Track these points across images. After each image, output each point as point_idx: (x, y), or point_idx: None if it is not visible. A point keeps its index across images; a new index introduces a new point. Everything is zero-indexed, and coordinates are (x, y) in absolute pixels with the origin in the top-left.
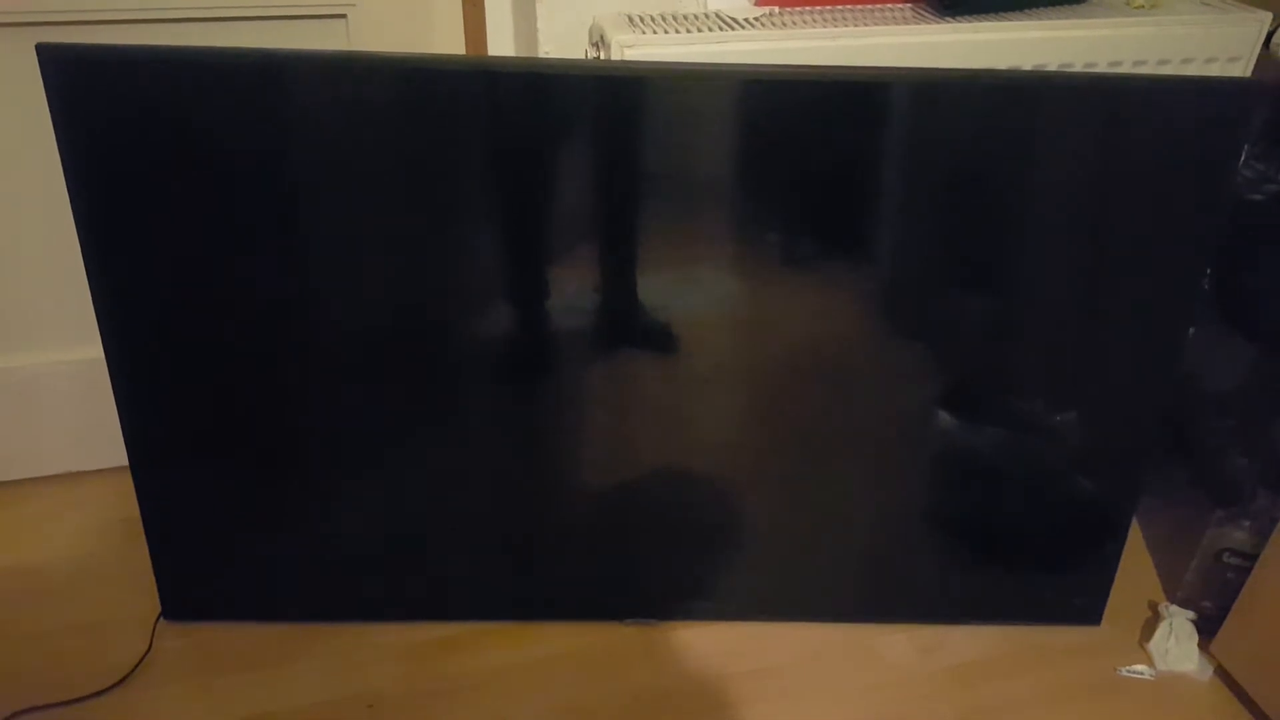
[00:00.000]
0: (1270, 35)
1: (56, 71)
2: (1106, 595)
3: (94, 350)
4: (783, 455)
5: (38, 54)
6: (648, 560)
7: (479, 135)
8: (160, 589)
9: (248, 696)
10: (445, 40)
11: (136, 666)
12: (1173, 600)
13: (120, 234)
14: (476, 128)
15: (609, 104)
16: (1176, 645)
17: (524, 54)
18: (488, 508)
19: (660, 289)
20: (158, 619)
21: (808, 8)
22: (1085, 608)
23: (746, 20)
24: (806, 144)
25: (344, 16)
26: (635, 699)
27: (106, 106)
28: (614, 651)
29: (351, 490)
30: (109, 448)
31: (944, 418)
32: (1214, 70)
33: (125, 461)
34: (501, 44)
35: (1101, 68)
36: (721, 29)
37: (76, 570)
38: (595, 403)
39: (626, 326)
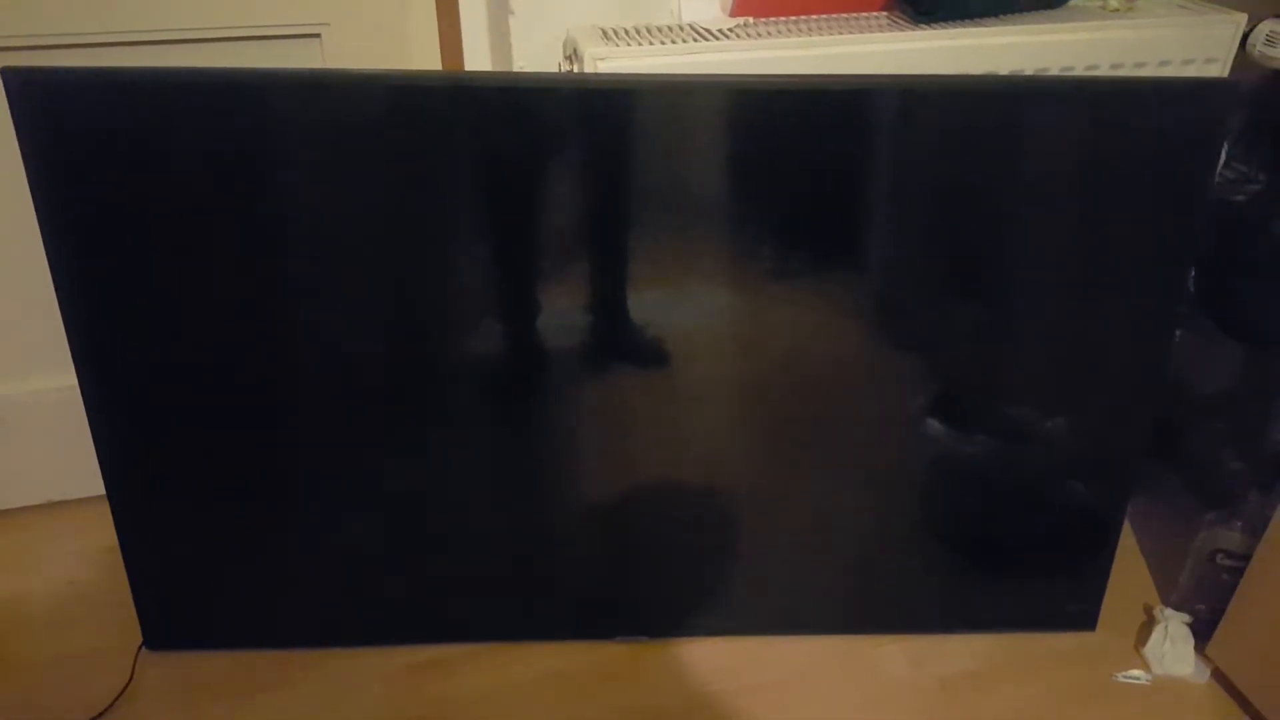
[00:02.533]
0: (1246, 36)
1: (22, 96)
2: (1100, 600)
3: (73, 378)
4: (774, 468)
5: (2, 79)
6: (639, 577)
7: (457, 152)
8: (141, 618)
9: None
10: (421, 59)
11: (118, 697)
12: (1167, 604)
13: (91, 260)
14: (454, 144)
15: (585, 117)
16: (1172, 649)
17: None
18: (477, 529)
19: (649, 303)
20: (140, 649)
21: (782, 18)
22: (1079, 614)
23: (721, 31)
24: (787, 154)
25: (318, 36)
26: (627, 718)
27: (75, 131)
28: (605, 670)
29: (336, 513)
30: (90, 477)
31: (934, 426)
32: (1191, 72)
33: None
34: (477, 61)
35: (1078, 72)
36: (696, 40)
37: (58, 600)
38: (586, 420)
39: (617, 342)
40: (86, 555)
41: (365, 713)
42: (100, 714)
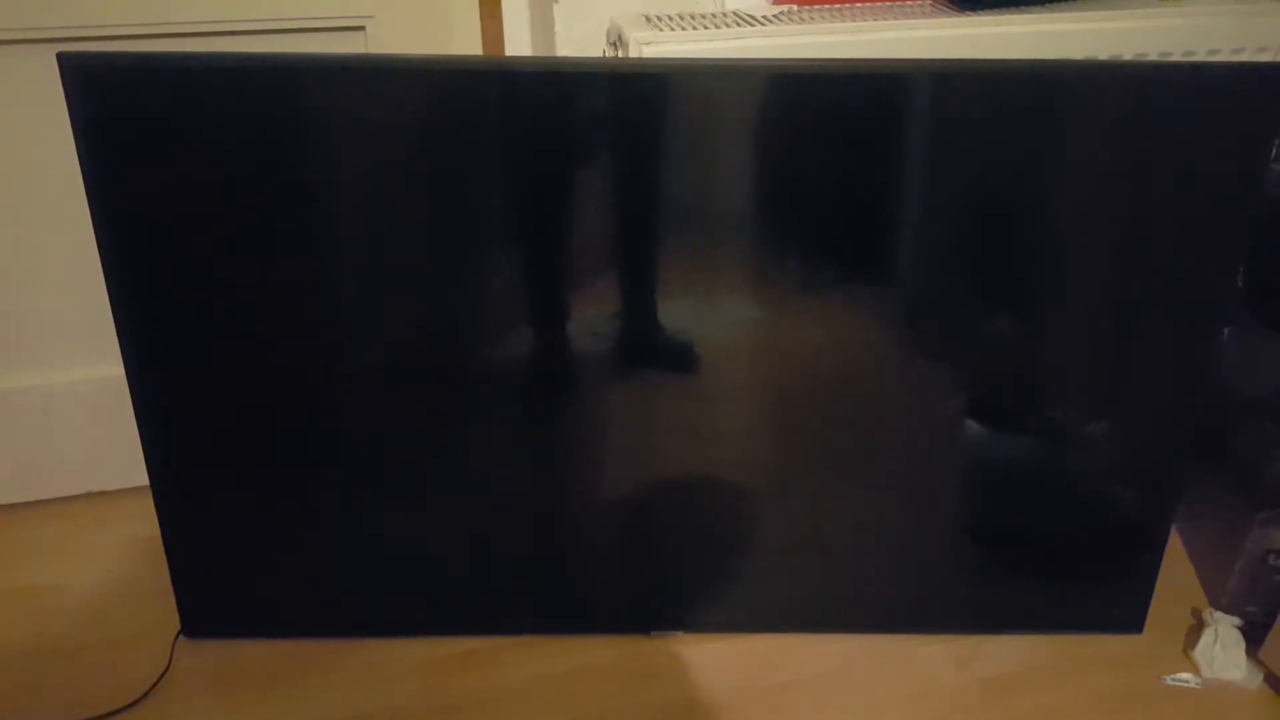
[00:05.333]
0: None
1: (77, 81)
2: (1147, 603)
3: (114, 368)
4: (812, 467)
5: (59, 63)
6: (674, 572)
7: (500, 141)
8: (180, 606)
9: (267, 714)
10: (463, 50)
11: (156, 684)
12: (1217, 606)
13: (142, 247)
14: (496, 132)
15: (628, 103)
16: (1223, 652)
17: None
18: (511, 524)
19: (682, 303)
20: (177, 636)
21: (826, 6)
22: (1126, 616)
23: (765, 18)
24: (830, 143)
25: (362, 29)
26: (663, 713)
27: (127, 116)
28: (640, 665)
29: (373, 507)
30: (130, 467)
31: (973, 427)
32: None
33: (146, 481)
34: (519, 52)
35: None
36: (739, 26)
37: (97, 589)
38: (619, 419)
39: (648, 343)
40: (125, 545)
41: (400, 703)
42: (137, 700)
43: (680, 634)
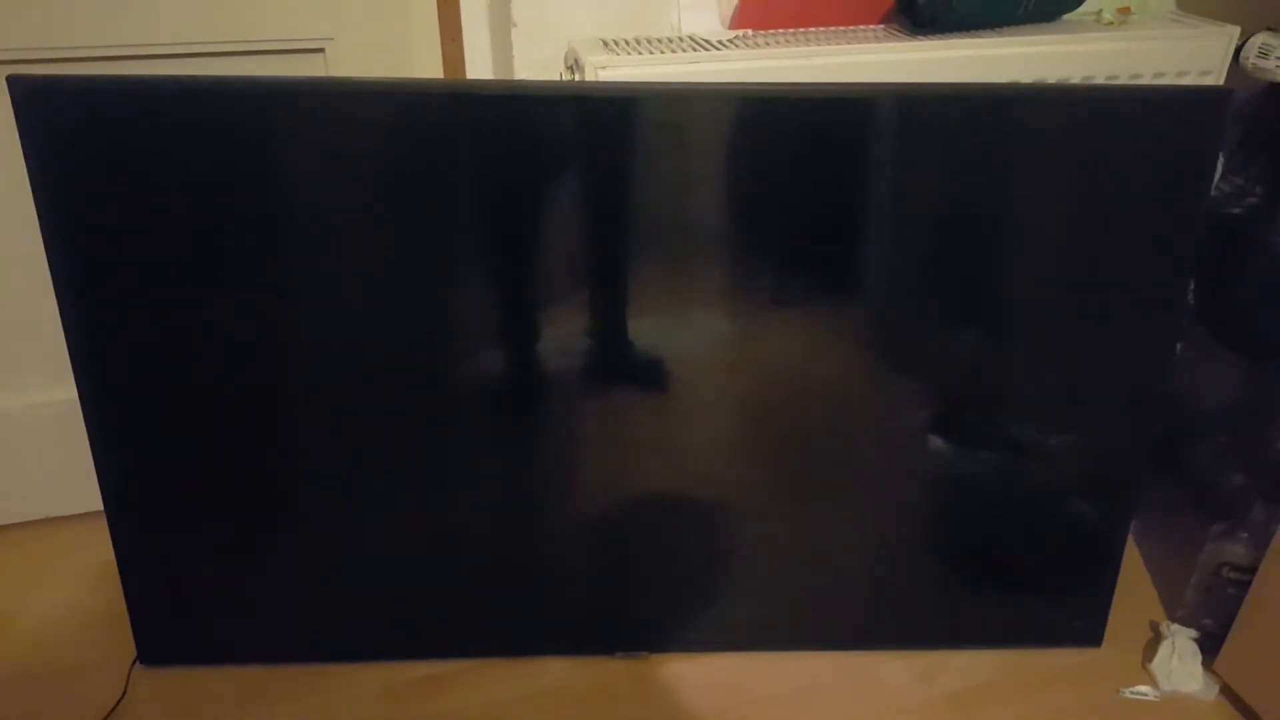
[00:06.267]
0: (1239, 49)
1: (28, 104)
2: (1106, 616)
3: (68, 392)
4: (776, 486)
5: (9, 86)
6: (640, 593)
7: (457, 162)
8: (136, 633)
9: None
10: (424, 72)
11: (111, 712)
12: (1174, 619)
13: (95, 271)
14: (454, 153)
15: (586, 122)
16: (1180, 665)
17: None
18: (477, 546)
19: (649, 321)
20: (133, 664)
21: (781, 30)
22: (1085, 629)
23: (720, 42)
24: (786, 163)
25: (322, 51)
26: None
27: (80, 140)
28: (606, 686)
29: (333, 530)
30: (86, 492)
31: (936, 443)
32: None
33: (101, 506)
34: (479, 74)
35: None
36: (696, 50)
37: (52, 615)
38: (588, 438)
39: (618, 360)
40: (81, 571)
41: None
42: None
43: (646, 655)
